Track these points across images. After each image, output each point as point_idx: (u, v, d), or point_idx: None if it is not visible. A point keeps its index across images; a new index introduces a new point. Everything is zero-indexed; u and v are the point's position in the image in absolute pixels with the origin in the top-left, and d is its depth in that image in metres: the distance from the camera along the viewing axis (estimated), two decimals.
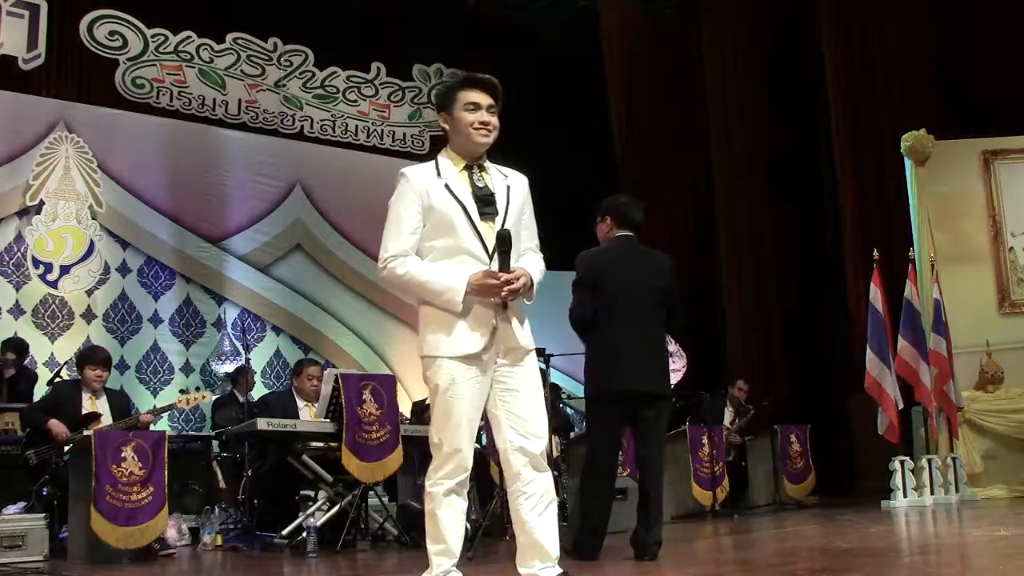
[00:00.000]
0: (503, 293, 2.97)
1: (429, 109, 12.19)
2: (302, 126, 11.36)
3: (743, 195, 10.85)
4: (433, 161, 3.15)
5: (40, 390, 7.77)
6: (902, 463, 7.54)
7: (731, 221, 10.99)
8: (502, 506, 6.10)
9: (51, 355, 9.18)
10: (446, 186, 3.06)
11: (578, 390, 8.91)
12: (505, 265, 3.00)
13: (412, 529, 5.75)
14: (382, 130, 11.96)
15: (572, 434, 8.35)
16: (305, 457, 6.03)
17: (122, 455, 5.27)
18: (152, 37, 10.43)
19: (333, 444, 5.86)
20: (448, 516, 2.97)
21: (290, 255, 10.94)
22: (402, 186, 3.09)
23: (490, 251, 3.02)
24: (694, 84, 11.60)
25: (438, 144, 12.81)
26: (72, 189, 9.64)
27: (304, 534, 5.51)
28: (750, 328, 10.70)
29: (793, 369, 10.28)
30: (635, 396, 4.54)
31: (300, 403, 6.60)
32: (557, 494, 3.28)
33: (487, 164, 3.17)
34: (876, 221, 9.49)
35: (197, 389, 7.05)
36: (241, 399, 7.90)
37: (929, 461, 7.70)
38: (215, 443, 7.86)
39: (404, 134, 12.12)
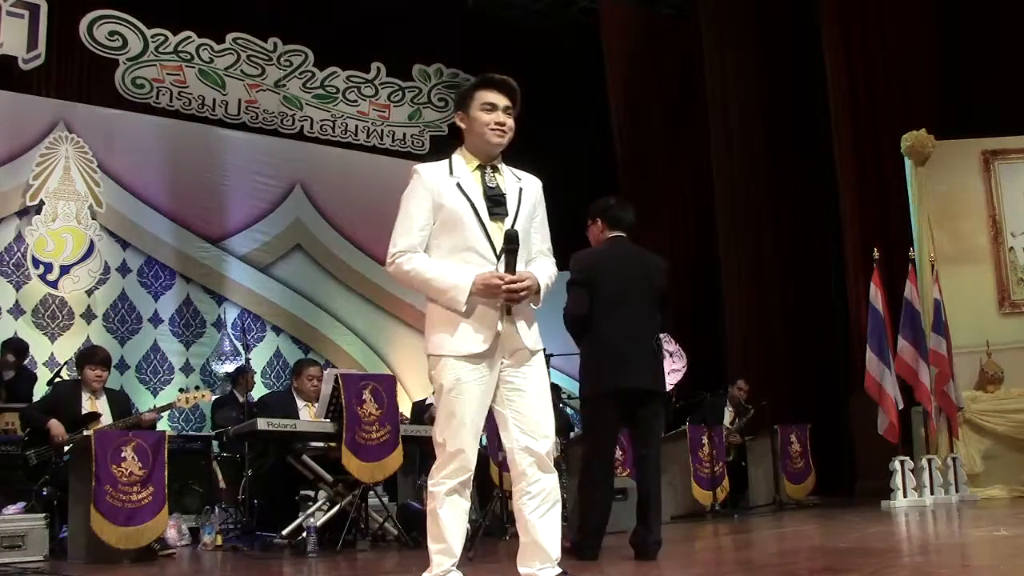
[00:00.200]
0: (503, 295, 2.97)
1: (429, 109, 12.20)
2: (302, 126, 11.36)
3: (743, 195, 10.84)
4: (447, 159, 3.15)
5: (40, 390, 7.77)
6: (902, 463, 7.54)
7: (731, 221, 10.97)
8: (502, 506, 6.11)
9: (51, 355, 9.18)
10: (457, 184, 3.06)
11: (578, 390, 8.90)
12: (511, 265, 2.99)
13: (412, 529, 5.75)
14: (382, 130, 11.96)
15: (572, 434, 8.34)
16: (305, 457, 6.03)
17: (122, 455, 5.27)
18: (152, 37, 10.43)
19: (333, 444, 5.85)
20: (450, 516, 2.97)
21: (290, 255, 10.94)
22: (414, 182, 3.09)
23: (497, 251, 3.02)
24: (694, 84, 11.59)
25: (438, 144, 12.88)
26: (72, 189, 9.65)
27: (304, 534, 5.52)
28: (750, 328, 10.68)
29: (793, 369, 10.27)
30: (630, 394, 4.54)
31: (300, 403, 6.59)
32: None
33: (501, 165, 3.16)
34: (876, 221, 9.48)
35: (197, 388, 7.05)
36: (241, 399, 7.90)
37: (929, 461, 7.70)
38: (215, 443, 7.87)
39: (404, 134, 12.11)
